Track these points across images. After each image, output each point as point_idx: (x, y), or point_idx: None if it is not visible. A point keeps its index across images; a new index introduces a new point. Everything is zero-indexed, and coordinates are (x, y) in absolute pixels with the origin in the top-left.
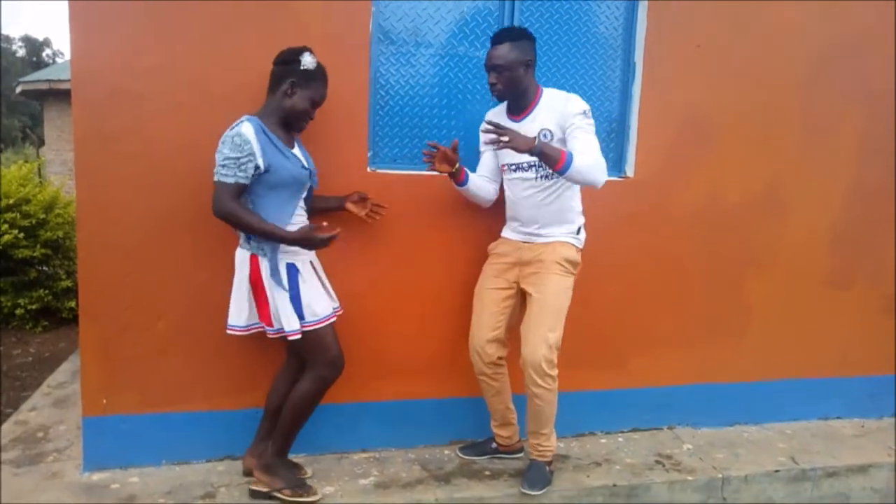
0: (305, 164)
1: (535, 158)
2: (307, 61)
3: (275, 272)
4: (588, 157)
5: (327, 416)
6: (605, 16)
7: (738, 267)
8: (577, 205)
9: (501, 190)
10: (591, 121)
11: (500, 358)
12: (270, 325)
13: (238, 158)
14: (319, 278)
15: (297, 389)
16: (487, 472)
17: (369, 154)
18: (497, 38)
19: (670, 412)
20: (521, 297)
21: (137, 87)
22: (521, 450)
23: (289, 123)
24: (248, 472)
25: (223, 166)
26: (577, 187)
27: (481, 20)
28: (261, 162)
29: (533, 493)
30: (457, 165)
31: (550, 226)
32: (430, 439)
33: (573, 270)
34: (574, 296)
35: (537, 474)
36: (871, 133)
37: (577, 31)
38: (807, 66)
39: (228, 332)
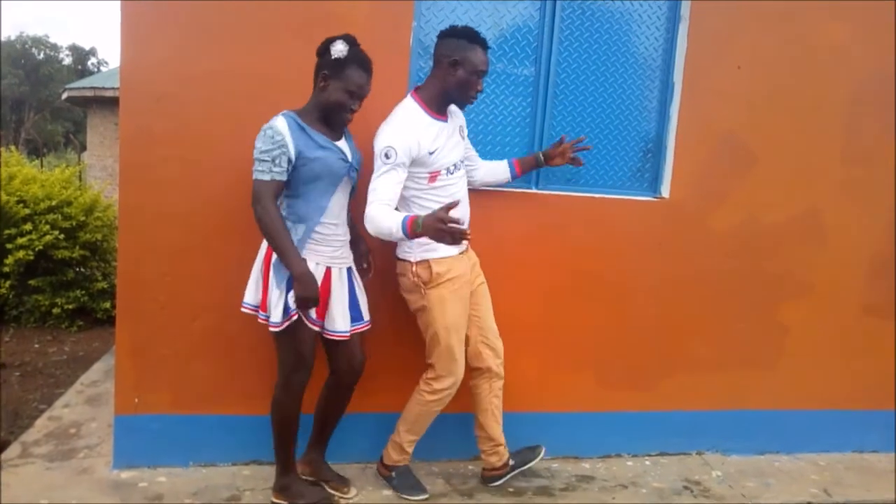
0: (348, 157)
1: (461, 159)
2: (337, 49)
3: (279, 265)
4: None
5: (352, 426)
6: (644, 36)
7: (775, 291)
8: None
9: None
10: None
11: (488, 368)
12: (265, 310)
13: (270, 151)
14: (351, 291)
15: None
16: (511, 489)
17: None
18: (487, 43)
19: (700, 437)
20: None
21: (183, 93)
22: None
23: (328, 118)
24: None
25: (258, 161)
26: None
27: (520, 38)
28: (293, 154)
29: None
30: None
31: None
32: (453, 453)
33: None
34: (606, 316)
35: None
36: None
37: (617, 52)
38: (850, 90)
39: (242, 309)
